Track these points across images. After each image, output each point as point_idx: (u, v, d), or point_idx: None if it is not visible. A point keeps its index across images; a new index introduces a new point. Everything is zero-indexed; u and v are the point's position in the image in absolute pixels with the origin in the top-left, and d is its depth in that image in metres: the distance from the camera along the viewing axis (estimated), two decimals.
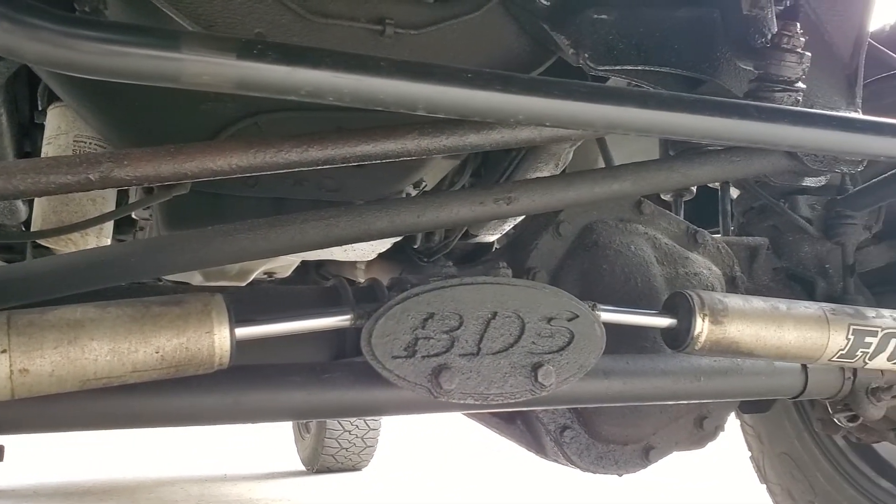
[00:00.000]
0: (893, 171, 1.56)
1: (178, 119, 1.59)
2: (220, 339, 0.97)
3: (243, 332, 1.00)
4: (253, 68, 0.77)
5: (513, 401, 1.13)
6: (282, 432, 6.37)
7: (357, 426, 5.58)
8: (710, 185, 2.22)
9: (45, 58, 0.73)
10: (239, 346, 1.02)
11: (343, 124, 1.53)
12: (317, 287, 1.53)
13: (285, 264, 2.77)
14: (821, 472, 2.21)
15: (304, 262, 3.00)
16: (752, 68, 1.37)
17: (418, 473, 5.70)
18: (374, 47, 1.43)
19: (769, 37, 1.36)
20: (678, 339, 1.24)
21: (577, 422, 1.54)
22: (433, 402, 1.10)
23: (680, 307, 1.25)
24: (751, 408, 1.85)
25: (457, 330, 1.10)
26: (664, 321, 1.25)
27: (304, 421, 5.85)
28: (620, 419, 1.55)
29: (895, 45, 1.93)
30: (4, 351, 0.88)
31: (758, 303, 1.25)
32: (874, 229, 1.83)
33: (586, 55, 1.44)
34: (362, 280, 3.12)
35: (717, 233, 2.06)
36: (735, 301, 1.24)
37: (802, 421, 2.24)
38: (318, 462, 5.76)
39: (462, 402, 1.10)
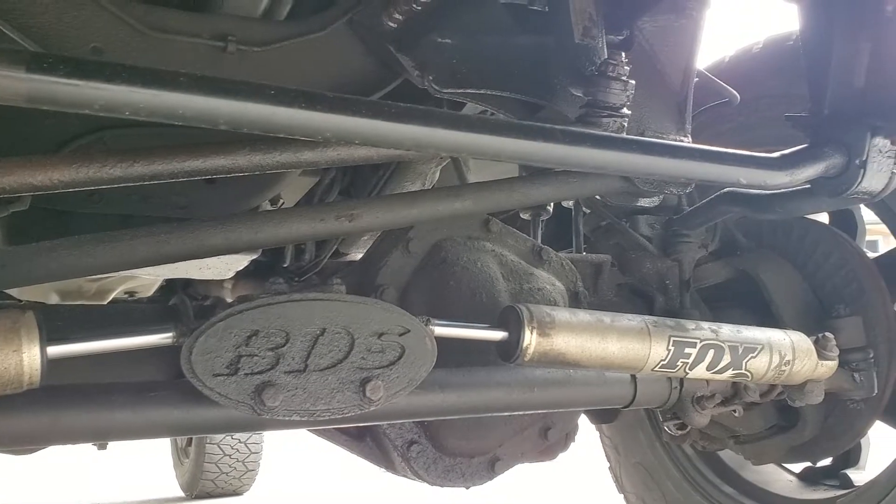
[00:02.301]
0: (718, 194, 1.66)
1: (22, 134, 1.54)
2: (29, 357, 0.95)
3: (57, 350, 0.98)
4: (43, 82, 0.76)
5: (340, 416, 1.14)
6: (159, 457, 6.17)
7: (237, 450, 5.47)
8: (566, 206, 2.31)
9: None
10: (67, 365, 1.00)
11: (195, 140, 1.53)
12: (155, 305, 1.50)
13: (146, 283, 2.70)
14: (671, 480, 2.31)
15: (169, 282, 2.94)
16: (581, 94, 1.43)
17: (300, 497, 5.62)
18: (217, 64, 1.42)
19: (597, 65, 1.43)
20: (509, 351, 1.28)
21: (423, 436, 1.57)
22: (258, 419, 1.10)
23: (510, 320, 1.29)
24: (597, 418, 1.92)
25: (283, 347, 1.10)
26: (497, 334, 1.30)
27: (182, 444, 5.69)
28: (466, 432, 1.58)
29: (733, 75, 2.07)
30: None
31: (584, 315, 1.31)
32: (711, 247, 1.94)
33: (430, 77, 1.48)
34: (228, 298, 3.08)
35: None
36: (562, 314, 1.30)
37: (655, 431, 2.34)
38: (198, 487, 5.61)
39: (287, 418, 1.11)
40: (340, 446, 1.68)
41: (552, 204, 2.16)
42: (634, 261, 1.91)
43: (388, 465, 1.62)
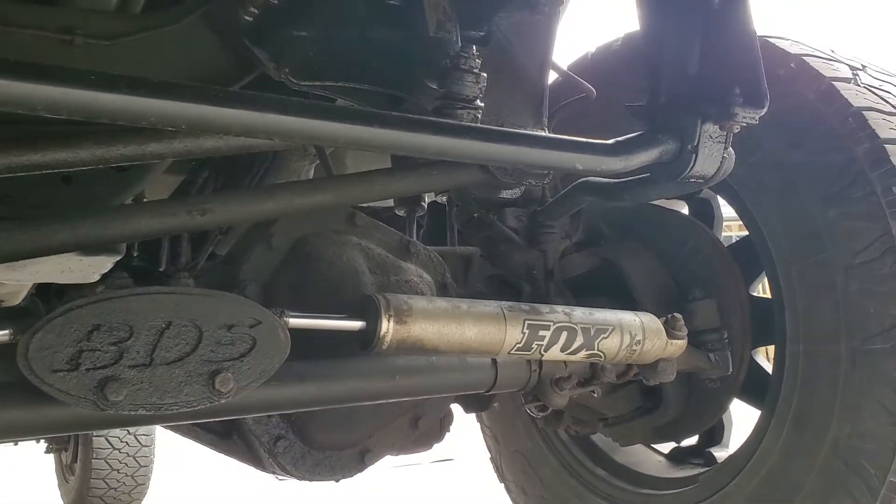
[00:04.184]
0: (574, 184, 1.72)
1: None
2: None
3: None
4: None
5: (189, 409, 1.13)
6: (43, 474, 5.91)
7: (126, 464, 5.30)
8: (441, 202, 2.34)
9: None
10: None
11: (30, 134, 1.47)
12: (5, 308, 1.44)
13: (11, 290, 2.58)
14: (548, 466, 2.37)
15: (39, 289, 2.82)
16: (436, 87, 1.46)
17: None
18: (64, 57, 1.38)
19: (450, 58, 1.46)
20: (367, 340, 1.30)
21: (290, 431, 1.56)
22: (104, 415, 1.07)
23: (369, 310, 1.30)
24: (469, 406, 1.96)
25: (126, 341, 1.08)
26: (355, 324, 1.31)
27: (67, 461, 5.46)
28: (334, 425, 1.59)
29: (595, 71, 2.15)
30: None
31: (441, 303, 1.34)
32: (575, 238, 2.01)
33: (286, 70, 1.48)
34: None
35: None
36: (419, 302, 1.32)
37: (532, 419, 2.40)
38: None
39: (133, 413, 1.09)
40: (207, 446, 1.65)
41: (426, 199, 2.18)
42: (503, 253, 1.95)
43: (256, 462, 1.60)
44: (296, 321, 1.24)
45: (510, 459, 2.49)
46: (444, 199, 2.24)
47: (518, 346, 1.37)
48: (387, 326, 1.28)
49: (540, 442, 2.38)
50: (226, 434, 1.60)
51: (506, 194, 1.72)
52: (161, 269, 2.74)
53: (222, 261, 1.72)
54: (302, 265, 1.58)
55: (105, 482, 5.30)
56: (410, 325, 1.29)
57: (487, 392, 1.58)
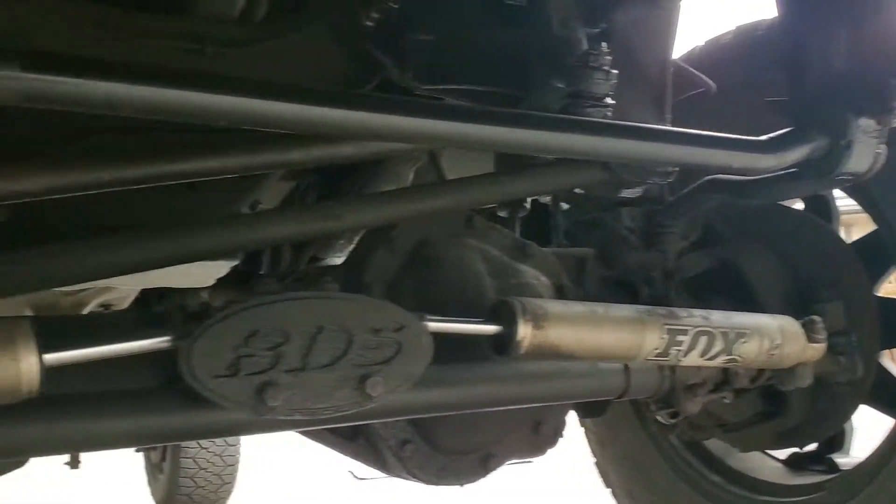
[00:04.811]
0: (701, 182, 1.68)
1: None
2: (26, 366, 0.93)
3: (53, 358, 0.96)
4: (40, 80, 0.75)
5: (341, 414, 1.13)
6: (133, 473, 6.07)
7: (213, 463, 5.41)
8: (543, 202, 2.32)
9: None
10: (64, 374, 0.97)
11: (161, 146, 1.51)
12: (145, 312, 1.48)
13: (122, 295, 2.66)
14: (659, 471, 2.33)
15: (144, 293, 2.90)
16: (563, 86, 1.44)
17: None
18: (195, 66, 1.41)
19: (578, 56, 1.44)
20: (503, 345, 1.28)
21: (416, 435, 1.56)
22: (259, 420, 1.08)
23: (504, 314, 1.29)
24: (586, 412, 1.93)
25: (281, 346, 1.09)
26: (490, 328, 1.29)
27: (156, 459, 5.61)
28: (459, 430, 1.58)
29: (703, 65, 2.10)
30: None
31: (577, 307, 1.32)
32: (692, 237, 1.96)
33: (410, 75, 1.49)
34: None
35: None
36: (555, 306, 1.30)
37: (641, 424, 2.35)
38: (173, 503, 5.53)
39: (290, 418, 1.10)
40: (332, 447, 1.66)
41: (529, 200, 2.17)
42: (617, 253, 1.91)
43: (381, 464, 1.60)
44: (434, 325, 1.24)
45: (617, 464, 2.45)
46: (549, 199, 2.22)
47: (656, 351, 1.34)
48: (524, 331, 1.26)
49: (650, 446, 2.34)
50: (352, 436, 1.60)
51: (626, 193, 1.69)
52: (262, 273, 2.79)
53: (343, 264, 1.73)
54: (424, 268, 1.58)
55: (193, 480, 5.43)
56: (547, 329, 1.27)
57: (618, 399, 1.55)
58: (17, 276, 1.08)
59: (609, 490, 2.53)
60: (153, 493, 5.82)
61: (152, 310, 1.53)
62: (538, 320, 1.27)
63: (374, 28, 1.52)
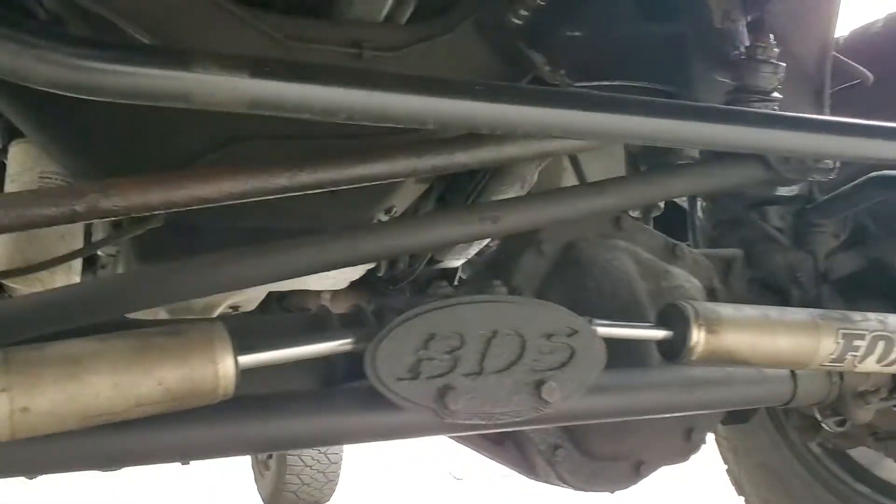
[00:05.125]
0: (865, 178, 1.60)
1: (151, 150, 1.56)
2: (223, 368, 0.94)
3: (246, 360, 0.98)
4: (265, 86, 0.76)
5: (518, 419, 1.12)
6: (240, 469, 6.23)
7: (318, 461, 5.49)
8: (676, 200, 2.25)
9: (54, 81, 0.71)
10: (247, 375, 0.99)
11: (316, 151, 1.52)
12: (301, 314, 1.50)
13: (252, 297, 2.72)
14: (799, 480, 2.24)
15: (267, 295, 2.96)
16: (728, 80, 1.39)
17: None
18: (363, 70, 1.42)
19: (743, 49, 1.39)
20: (674, 350, 1.25)
21: (568, 440, 1.53)
22: (439, 423, 1.08)
23: (674, 318, 1.25)
24: (731, 419, 1.86)
25: (459, 349, 1.08)
26: (660, 333, 1.26)
27: (262, 456, 5.74)
28: (611, 435, 1.54)
29: (850, 53, 2.00)
30: (4, 390, 0.83)
31: (750, 311, 1.27)
32: (842, 237, 1.87)
33: (562, 72, 1.46)
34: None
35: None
36: (728, 310, 1.25)
37: (778, 431, 2.27)
38: (280, 499, 5.64)
39: (468, 422, 1.09)
40: (477, 450, 1.65)
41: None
42: (764, 254, 1.85)
43: (529, 469, 1.59)
44: (604, 330, 1.21)
45: (752, 472, 2.37)
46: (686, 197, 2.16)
47: (831, 357, 1.28)
48: (697, 336, 1.22)
49: (789, 454, 2.25)
50: (498, 440, 1.59)
51: (781, 191, 1.62)
52: (379, 275, 2.81)
53: (486, 268, 1.72)
54: (574, 271, 1.55)
55: (299, 478, 5.53)
56: (721, 335, 1.23)
57: (785, 406, 1.49)
58: (215, 278, 1.11)
59: (742, 498, 2.45)
60: (260, 490, 5.96)
61: (308, 313, 1.55)
62: (711, 325, 1.22)
63: (522, 26, 1.50)
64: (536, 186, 2.34)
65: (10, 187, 1.71)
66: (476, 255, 2.76)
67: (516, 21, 1.50)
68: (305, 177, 1.13)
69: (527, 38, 1.49)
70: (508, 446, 1.59)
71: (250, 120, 1.36)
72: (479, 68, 1.54)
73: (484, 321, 1.11)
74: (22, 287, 1.79)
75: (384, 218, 2.14)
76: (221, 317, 1.78)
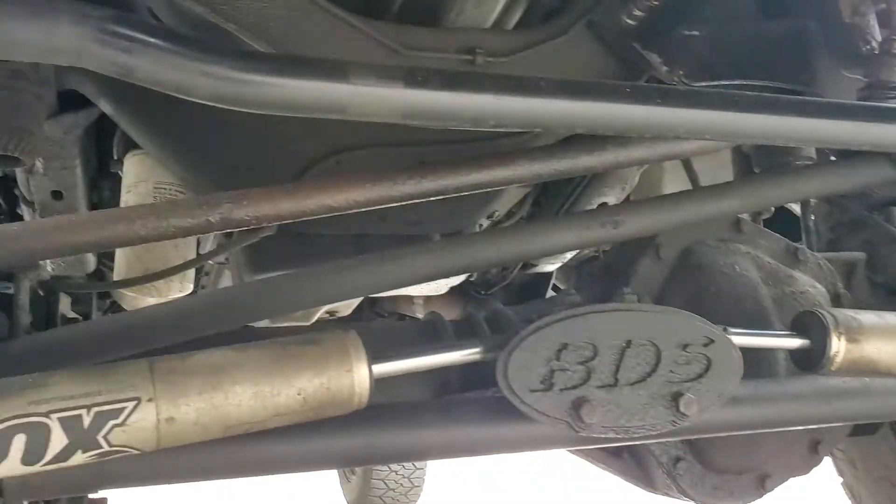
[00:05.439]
0: None
1: (263, 161, 1.57)
2: (359, 377, 0.94)
3: (380, 368, 0.97)
4: (419, 96, 0.74)
5: (655, 432, 1.08)
6: (326, 473, 6.29)
7: (403, 465, 5.51)
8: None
9: (217, 95, 0.71)
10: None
11: (423, 158, 1.52)
12: (415, 322, 1.49)
13: (348, 303, 2.73)
14: None
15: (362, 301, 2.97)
16: (860, 76, 1.33)
17: None
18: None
19: (874, 43, 1.32)
20: (812, 359, 1.19)
21: (689, 452, 1.48)
22: (572, 436, 1.05)
23: (812, 326, 1.19)
24: (858, 430, 1.78)
25: (592, 360, 1.05)
26: (796, 342, 1.20)
27: None
28: (735, 448, 1.48)
29: None
30: (150, 400, 0.84)
31: (892, 318, 1.20)
32: None
33: (681, 72, 1.42)
34: (420, 315, 3.08)
35: None
36: (869, 318, 1.19)
37: None
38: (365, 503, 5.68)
39: (603, 435, 1.06)
40: (592, 462, 1.62)
41: None
42: (887, 257, 1.76)
43: (647, 482, 1.54)
44: (739, 339, 1.16)
45: (872, 486, 2.26)
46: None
47: None
48: (837, 345, 1.16)
49: None
50: (616, 451, 1.55)
51: None
52: (471, 280, 2.79)
53: (601, 272, 1.68)
54: (693, 277, 1.50)
55: (384, 483, 5.56)
56: (863, 343, 1.17)
57: None
58: (342, 286, 1.11)
59: None
60: (345, 494, 6.01)
61: (420, 321, 1.54)
62: (852, 333, 1.16)
63: (636, 26, 1.46)
64: (636, 190, 2.29)
65: (126, 198, 1.76)
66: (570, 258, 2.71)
67: (630, 21, 1.46)
68: (429, 183, 1.12)
69: (642, 39, 1.45)
70: (625, 458, 1.55)
71: (358, 129, 1.37)
72: (593, 70, 1.51)
73: (617, 331, 1.07)
74: (138, 295, 1.83)
75: (486, 223, 2.12)
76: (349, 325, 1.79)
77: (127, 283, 1.64)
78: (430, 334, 1.38)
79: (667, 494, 1.54)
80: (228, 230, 1.08)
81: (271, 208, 1.06)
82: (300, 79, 0.73)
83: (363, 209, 1.12)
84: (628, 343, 1.07)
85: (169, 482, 0.99)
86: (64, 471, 0.85)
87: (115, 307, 2.90)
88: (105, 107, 1.54)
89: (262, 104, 0.73)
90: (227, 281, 2.45)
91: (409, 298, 3.08)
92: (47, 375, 0.84)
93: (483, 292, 2.92)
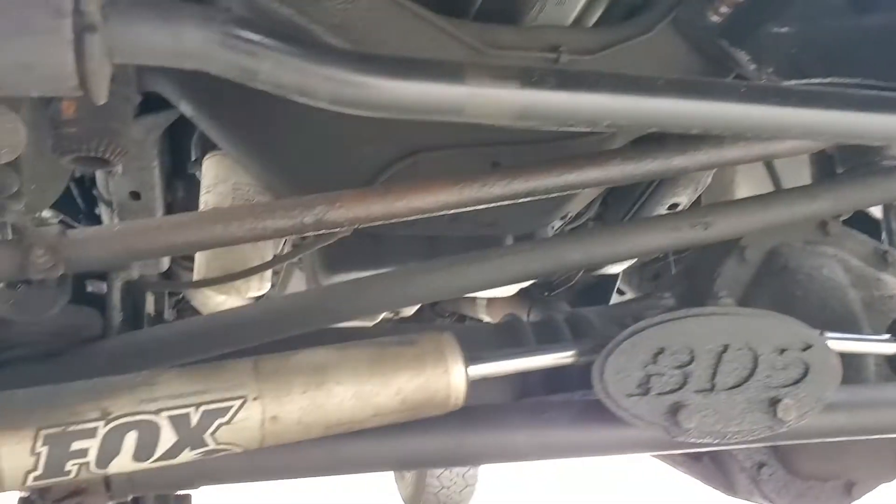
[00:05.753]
0: None
1: (341, 162, 1.58)
2: (455, 378, 0.94)
3: (475, 370, 0.97)
4: (535, 97, 0.74)
5: (751, 438, 1.06)
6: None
7: None
8: None
9: (336, 97, 0.72)
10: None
11: (497, 160, 1.51)
12: (494, 324, 1.49)
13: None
14: None
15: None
16: None
17: None
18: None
19: None
20: None
21: (774, 458, 1.45)
22: (667, 441, 1.04)
23: None
24: None
25: (689, 365, 1.04)
26: (894, 347, 1.17)
27: None
28: (821, 454, 1.45)
29: None
30: (256, 398, 0.85)
31: None
32: None
33: (770, 70, 1.38)
34: (482, 316, 3.08)
35: None
36: None
37: None
38: (420, 501, 5.71)
39: (700, 440, 1.04)
40: (671, 464, 1.60)
41: None
42: None
43: (728, 486, 1.52)
44: (837, 343, 1.13)
45: None
46: None
47: None
48: None
49: None
50: (696, 455, 1.53)
51: None
52: (534, 282, 2.77)
53: (683, 274, 1.66)
54: (779, 280, 1.47)
55: (439, 480, 5.58)
56: None
57: None
58: (434, 286, 1.11)
59: None
60: (400, 490, 6.05)
61: (499, 323, 1.54)
62: None
63: (722, 23, 1.43)
64: (707, 191, 2.25)
65: (205, 198, 1.79)
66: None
67: (716, 18, 1.43)
68: (519, 185, 1.11)
69: (728, 36, 1.42)
70: (706, 462, 1.52)
71: (433, 129, 1.36)
72: (677, 69, 1.48)
73: (714, 335, 1.05)
74: (216, 294, 1.86)
75: (558, 224, 2.11)
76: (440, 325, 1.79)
77: (209, 282, 1.66)
78: (511, 336, 1.37)
79: (749, 500, 1.51)
80: (322, 232, 1.09)
81: (363, 210, 1.06)
82: (417, 81, 0.73)
83: (451, 211, 1.12)
84: (725, 347, 1.05)
85: (263, 479, 1.00)
86: (166, 467, 0.87)
87: (182, 306, 2.95)
88: (185, 108, 1.56)
89: (379, 106, 0.74)
90: (297, 280, 2.47)
91: (472, 300, 3.08)
92: (155, 374, 0.86)
93: (547, 293, 2.91)
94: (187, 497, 1.47)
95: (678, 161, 1.16)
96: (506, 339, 1.35)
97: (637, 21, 1.47)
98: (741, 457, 1.44)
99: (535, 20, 1.48)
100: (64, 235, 0.97)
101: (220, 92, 1.47)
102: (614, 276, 2.86)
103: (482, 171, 1.12)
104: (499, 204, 1.19)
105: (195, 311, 2.37)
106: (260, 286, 1.81)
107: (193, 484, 0.96)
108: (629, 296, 2.96)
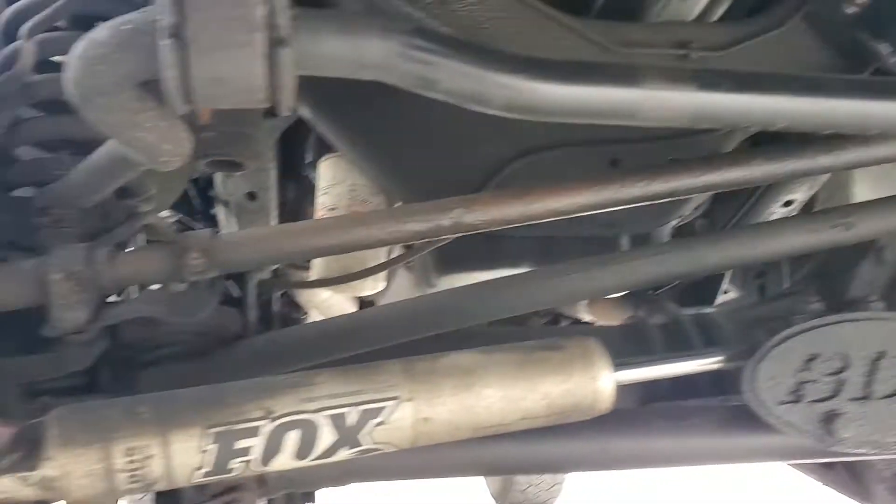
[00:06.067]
0: None
1: (457, 164, 1.58)
2: (603, 384, 0.93)
3: (622, 376, 0.95)
4: (710, 98, 0.72)
5: None
6: None
7: None
8: None
9: (510, 104, 0.72)
10: None
11: (615, 157, 1.49)
12: (618, 328, 1.47)
13: None
14: None
15: None
16: None
17: None
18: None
19: None
20: None
21: None
22: (820, 449, 1.00)
23: None
24: None
25: (843, 372, 1.00)
26: None
27: None
28: None
29: None
30: (409, 399, 0.86)
31: None
32: None
33: None
34: (582, 315, 3.04)
35: None
36: None
37: None
38: (508, 497, 5.68)
39: (855, 451, 1.00)
40: (802, 470, 1.55)
41: None
42: None
43: (863, 495, 1.46)
44: None
45: None
46: None
47: None
48: None
49: None
50: (828, 463, 1.47)
51: None
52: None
53: (811, 277, 1.60)
54: None
55: (527, 477, 5.54)
56: None
57: None
58: (566, 288, 1.10)
59: None
60: (489, 485, 6.04)
61: (624, 325, 1.52)
62: None
63: (858, 15, 1.37)
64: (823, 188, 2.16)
65: (322, 199, 1.81)
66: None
67: (851, 10, 1.38)
68: (659, 185, 1.09)
69: (868, 28, 1.37)
70: (839, 470, 1.47)
71: (549, 129, 1.34)
72: (811, 64, 1.43)
73: (868, 341, 1.01)
74: (334, 292, 1.89)
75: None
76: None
77: (330, 281, 1.69)
78: (639, 340, 1.35)
79: None
80: (459, 234, 1.09)
81: (499, 213, 1.06)
82: (591, 85, 0.72)
83: (587, 213, 1.11)
84: (881, 354, 1.01)
85: (409, 478, 1.01)
86: (320, 465, 0.88)
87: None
88: (304, 111, 1.59)
89: (553, 112, 0.73)
90: (401, 280, 2.49)
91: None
92: (313, 374, 0.88)
93: (652, 292, 2.85)
94: (311, 494, 1.51)
95: (823, 160, 1.12)
96: (633, 342, 1.33)
97: (767, 15, 1.42)
98: (880, 466, 1.39)
99: (659, 15, 1.45)
100: (216, 238, 1.00)
101: (339, 95, 1.49)
102: (721, 275, 2.79)
103: (619, 173, 1.11)
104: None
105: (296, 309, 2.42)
106: (375, 285, 1.83)
107: (343, 481, 0.98)
108: (732, 295, 2.88)
